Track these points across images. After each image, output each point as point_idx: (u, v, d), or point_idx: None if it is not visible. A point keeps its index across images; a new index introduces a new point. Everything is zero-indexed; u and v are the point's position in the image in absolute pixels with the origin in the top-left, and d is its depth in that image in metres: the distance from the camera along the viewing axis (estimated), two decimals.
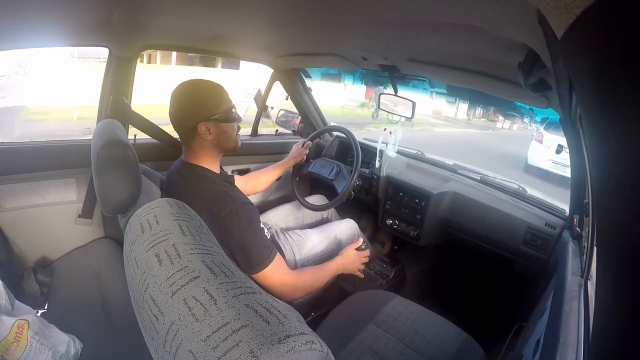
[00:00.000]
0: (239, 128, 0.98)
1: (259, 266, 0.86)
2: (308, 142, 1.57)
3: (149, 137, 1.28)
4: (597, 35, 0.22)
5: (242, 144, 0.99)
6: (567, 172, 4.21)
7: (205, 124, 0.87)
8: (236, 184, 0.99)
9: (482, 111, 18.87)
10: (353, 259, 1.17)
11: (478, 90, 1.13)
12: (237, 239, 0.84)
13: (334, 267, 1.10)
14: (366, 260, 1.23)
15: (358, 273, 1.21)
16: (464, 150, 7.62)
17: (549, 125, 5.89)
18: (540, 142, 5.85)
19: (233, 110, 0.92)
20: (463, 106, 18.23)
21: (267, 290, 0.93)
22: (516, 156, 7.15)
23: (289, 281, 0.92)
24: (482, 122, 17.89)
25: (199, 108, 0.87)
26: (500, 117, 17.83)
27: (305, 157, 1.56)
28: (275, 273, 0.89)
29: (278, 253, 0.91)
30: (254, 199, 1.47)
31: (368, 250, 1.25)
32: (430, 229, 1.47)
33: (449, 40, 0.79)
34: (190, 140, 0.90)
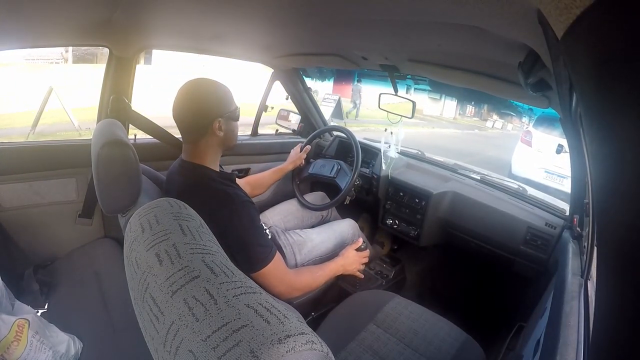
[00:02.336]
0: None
1: (258, 265, 0.86)
2: (307, 146, 1.58)
3: (150, 137, 1.28)
4: (597, 35, 0.22)
5: (242, 144, 1.00)
6: (564, 185, 3.80)
7: (219, 121, 0.88)
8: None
9: (473, 109, 17.68)
10: (352, 260, 1.17)
11: (477, 90, 1.13)
12: (237, 238, 0.84)
13: (334, 267, 1.10)
14: (366, 260, 1.23)
15: (358, 273, 1.21)
16: None
17: (540, 122, 4.46)
18: (529, 144, 4.36)
19: (238, 109, 0.94)
20: (452, 104, 17.02)
21: (266, 289, 0.93)
22: (495, 166, 5.12)
23: (287, 280, 0.93)
24: (473, 121, 16.61)
25: (216, 105, 0.88)
26: (495, 116, 16.59)
27: (303, 161, 1.57)
28: (274, 272, 0.89)
29: (278, 252, 0.91)
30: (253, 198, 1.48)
31: (368, 250, 1.25)
32: (430, 229, 1.47)
33: (450, 40, 0.79)
34: (199, 138, 0.90)
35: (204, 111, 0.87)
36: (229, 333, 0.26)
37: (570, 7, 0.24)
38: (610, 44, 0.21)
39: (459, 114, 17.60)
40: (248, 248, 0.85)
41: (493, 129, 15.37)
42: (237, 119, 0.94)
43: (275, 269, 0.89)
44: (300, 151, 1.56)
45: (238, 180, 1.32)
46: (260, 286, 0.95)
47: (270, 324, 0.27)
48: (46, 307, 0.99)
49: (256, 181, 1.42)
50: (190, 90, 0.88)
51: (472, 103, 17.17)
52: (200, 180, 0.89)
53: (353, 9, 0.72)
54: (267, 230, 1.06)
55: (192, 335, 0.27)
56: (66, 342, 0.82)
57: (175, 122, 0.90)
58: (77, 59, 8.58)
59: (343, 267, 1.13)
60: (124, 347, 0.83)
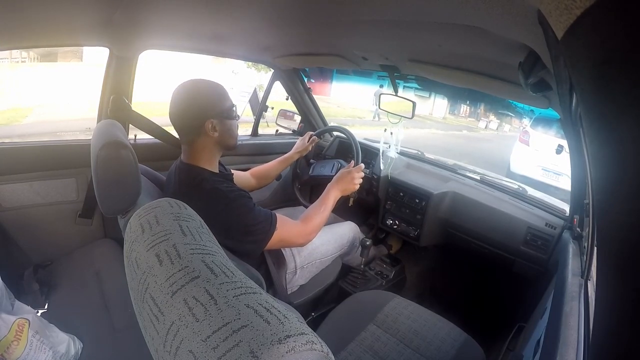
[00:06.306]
0: (237, 126, 0.99)
1: (266, 238, 0.89)
2: (314, 136, 1.50)
3: (150, 137, 1.28)
4: (597, 36, 0.22)
5: (242, 144, 0.99)
6: (560, 182, 3.92)
7: (212, 121, 0.88)
8: (239, 179, 0.98)
9: (468, 109, 17.06)
10: (348, 179, 1.11)
11: (477, 90, 1.13)
12: (239, 228, 0.86)
13: (333, 194, 1.07)
14: (360, 175, 1.15)
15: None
16: None
17: (537, 122, 4.73)
18: (526, 143, 4.60)
19: (234, 108, 0.94)
20: (443, 103, 16.39)
21: (287, 246, 1.05)
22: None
23: (300, 232, 0.96)
24: (466, 121, 15.87)
25: (206, 105, 0.88)
26: (491, 117, 15.95)
27: (310, 148, 1.49)
28: (283, 234, 0.92)
29: (278, 215, 0.93)
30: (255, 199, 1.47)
31: (362, 165, 1.19)
32: (430, 229, 1.47)
33: (450, 40, 0.80)
34: (195, 139, 0.90)
35: (194, 113, 0.88)
36: (229, 333, 0.26)
37: (571, 8, 0.24)
38: (610, 44, 0.21)
39: (453, 113, 17.08)
40: (251, 231, 0.87)
41: (486, 130, 14.53)
42: (232, 117, 0.93)
43: (283, 231, 0.91)
44: (308, 141, 1.48)
45: (242, 173, 1.32)
46: (282, 249, 1.00)
47: (270, 324, 0.27)
48: (46, 307, 0.99)
49: (262, 172, 1.38)
50: (182, 92, 0.88)
51: (467, 102, 16.58)
52: (193, 181, 0.89)
53: (353, 9, 0.72)
54: None
55: (192, 335, 0.27)
56: (66, 342, 0.82)
57: (172, 124, 0.91)
58: (42, 58, 8.91)
59: (341, 190, 1.10)
60: (124, 347, 0.83)
